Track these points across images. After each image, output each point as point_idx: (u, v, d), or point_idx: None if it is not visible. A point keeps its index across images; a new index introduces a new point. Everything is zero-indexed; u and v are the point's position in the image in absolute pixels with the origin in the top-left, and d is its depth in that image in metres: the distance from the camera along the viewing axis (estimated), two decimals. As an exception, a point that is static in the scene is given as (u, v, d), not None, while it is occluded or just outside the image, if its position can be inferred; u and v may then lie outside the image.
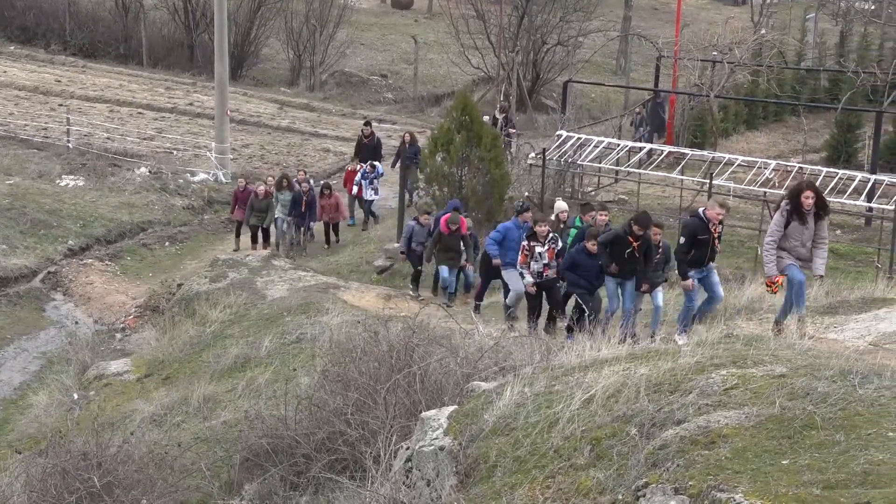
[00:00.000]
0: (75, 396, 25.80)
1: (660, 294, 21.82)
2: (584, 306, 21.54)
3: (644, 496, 9.71)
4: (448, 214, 28.01)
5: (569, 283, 22.24)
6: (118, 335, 30.73)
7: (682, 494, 9.42)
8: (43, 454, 19.96)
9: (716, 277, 20.64)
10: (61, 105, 48.18)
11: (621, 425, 10.96)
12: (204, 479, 18.73)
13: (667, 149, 41.03)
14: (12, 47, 58.93)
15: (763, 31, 57.68)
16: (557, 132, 39.91)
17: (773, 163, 38.47)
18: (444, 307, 26.03)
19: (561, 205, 26.53)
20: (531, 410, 11.82)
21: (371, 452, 13.74)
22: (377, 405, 16.28)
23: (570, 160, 37.98)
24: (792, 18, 63.13)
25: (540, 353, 16.29)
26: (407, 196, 36.54)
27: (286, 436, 18.06)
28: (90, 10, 61.16)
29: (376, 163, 36.16)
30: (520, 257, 23.14)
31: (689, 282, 19.85)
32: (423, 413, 13.42)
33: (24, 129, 45.46)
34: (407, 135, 36.95)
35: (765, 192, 34.86)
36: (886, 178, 36.31)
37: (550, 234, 22.99)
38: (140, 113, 49.47)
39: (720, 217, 19.79)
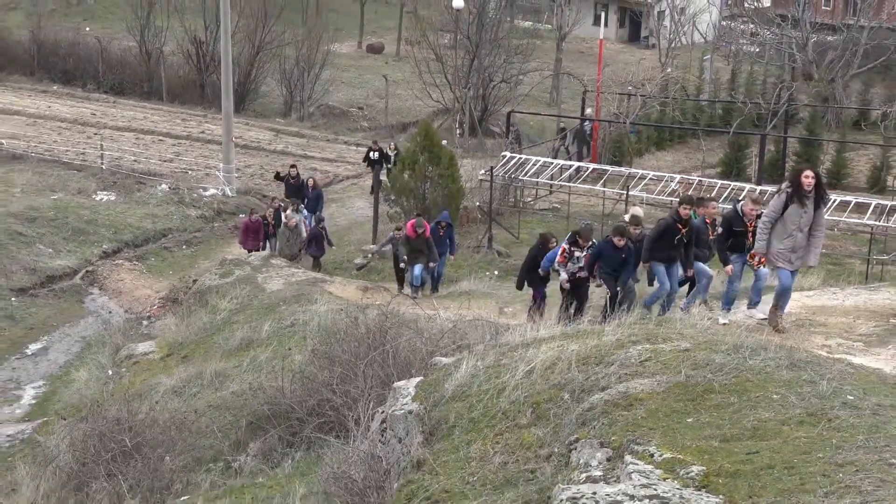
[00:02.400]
0: (110, 372, 25.68)
1: (706, 266, 19.47)
2: (610, 290, 19.73)
3: (575, 449, 9.72)
4: (413, 220, 27.74)
5: (599, 273, 20.08)
6: (144, 322, 30.61)
7: (606, 447, 9.43)
8: (84, 420, 19.86)
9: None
10: (96, 134, 47.94)
11: (556, 391, 10.97)
12: (216, 439, 18.67)
13: (591, 166, 41.17)
14: (55, 87, 58.55)
15: (669, 70, 58.03)
16: (502, 153, 40.04)
17: (677, 177, 38.77)
18: (412, 298, 26.00)
19: (637, 210, 24.26)
20: (483, 380, 11.81)
21: (353, 416, 13.71)
22: (357, 377, 16.26)
23: (512, 176, 38.08)
24: (692, 59, 63.31)
25: (490, 334, 16.27)
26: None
27: (283, 403, 18.03)
28: (119, 56, 60.79)
29: (302, 206, 34.83)
30: (559, 257, 21.09)
31: (730, 267, 17.59)
32: (395, 383, 13.41)
33: (65, 153, 45.20)
34: (310, 180, 35.74)
35: (671, 201, 35.04)
36: (769, 188, 36.49)
37: (591, 243, 20.77)
38: (161, 140, 49.25)
39: (755, 212, 17.35)
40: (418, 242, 27.40)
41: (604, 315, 19.15)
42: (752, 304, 17.57)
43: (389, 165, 39.11)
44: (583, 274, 20.73)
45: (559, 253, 21.14)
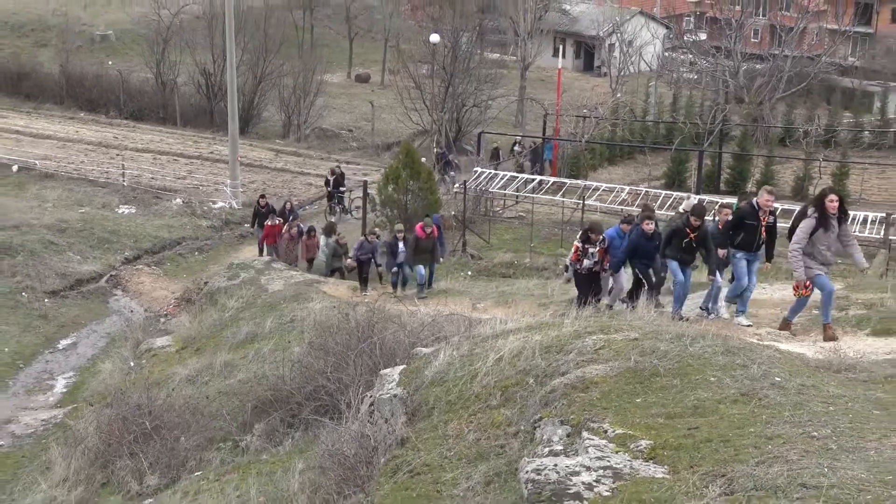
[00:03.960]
0: (131, 364, 25.61)
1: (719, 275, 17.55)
2: (643, 279, 18.10)
3: (539, 427, 9.72)
4: (421, 222, 26.70)
5: (632, 265, 18.27)
6: (162, 319, 30.51)
7: (566, 425, 9.44)
8: (109, 406, 19.85)
9: (756, 267, 16.38)
10: (118, 155, 47.78)
11: (522, 377, 10.97)
12: (225, 421, 18.64)
13: (552, 179, 41.25)
14: (82, 114, 58.32)
15: (619, 95, 58.22)
16: (474, 169, 40.07)
17: (627, 188, 38.86)
18: (419, 298, 25.44)
19: (692, 202, 23.12)
20: (458, 367, 11.80)
21: (345, 400, 13.69)
22: (348, 366, 16.24)
23: (483, 188, 38.12)
24: (639, 85, 63.48)
25: (464, 327, 16.27)
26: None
27: (284, 389, 18.02)
28: (138, 86, 60.63)
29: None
30: (571, 255, 19.19)
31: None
32: (382, 371, 13.38)
33: (91, 172, 45.02)
34: (288, 203, 34.24)
35: (622, 209, 35.16)
36: (707, 197, 36.65)
37: (602, 238, 18.92)
38: (175, 159, 49.10)
39: (769, 204, 15.78)
40: (427, 242, 26.19)
41: (631, 299, 18.10)
42: (739, 311, 16.33)
43: (342, 189, 38.43)
44: (596, 268, 19.09)
45: (572, 251, 19.41)
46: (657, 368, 10.16)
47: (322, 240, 30.84)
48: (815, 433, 8.34)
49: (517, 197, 39.95)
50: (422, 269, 26.35)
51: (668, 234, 17.02)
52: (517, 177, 39.77)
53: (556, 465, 8.50)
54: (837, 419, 8.69)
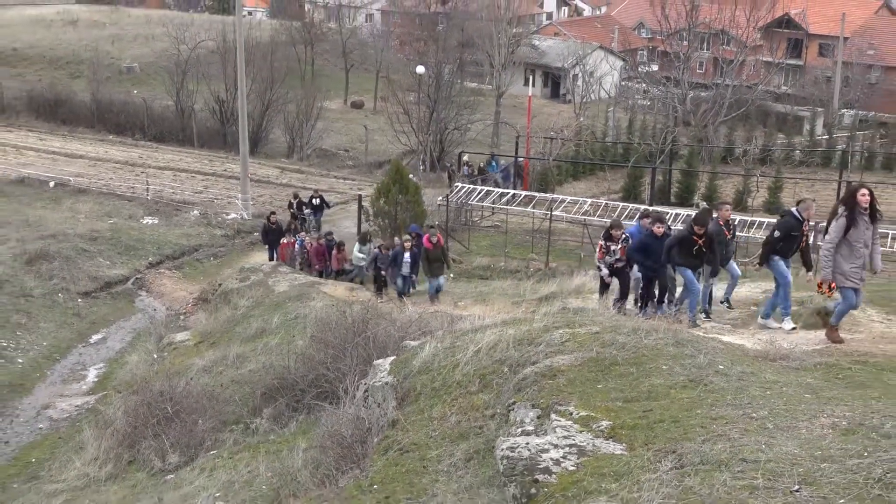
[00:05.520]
0: (155, 356, 25.52)
1: (735, 265, 16.65)
2: (649, 283, 16.57)
3: (513, 410, 9.72)
4: (428, 234, 24.92)
5: (637, 263, 16.90)
6: (181, 317, 30.41)
7: (536, 408, 9.44)
8: (135, 393, 19.75)
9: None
10: (142, 172, 47.54)
11: (498, 366, 10.97)
12: (237, 406, 18.57)
13: (524, 193, 41.29)
14: (111, 136, 58.04)
15: (582, 119, 58.31)
16: (455, 184, 40.00)
17: (589, 200, 38.85)
18: (433, 303, 24.11)
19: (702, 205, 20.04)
20: (442, 358, 11.80)
21: (343, 387, 13.67)
22: (346, 357, 16.21)
23: (463, 201, 38.10)
24: (599, 111, 63.58)
25: (447, 323, 16.26)
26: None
27: (289, 378, 17.96)
28: (160, 112, 60.36)
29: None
30: (598, 253, 17.75)
31: (783, 265, 14.36)
32: (375, 361, 13.39)
33: (119, 187, 44.83)
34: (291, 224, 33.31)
35: (584, 219, 35.20)
36: (659, 208, 36.71)
37: (623, 236, 17.37)
38: (193, 176, 48.90)
39: (812, 213, 14.33)
40: (436, 252, 24.58)
41: (641, 303, 16.92)
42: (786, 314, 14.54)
43: (306, 212, 36.46)
44: (619, 264, 17.53)
45: (598, 249, 17.92)
46: (616, 358, 10.18)
47: (356, 246, 29.21)
48: (754, 414, 8.37)
49: (493, 208, 39.94)
50: (436, 281, 24.83)
51: (674, 242, 15.66)
52: (493, 190, 39.76)
53: (527, 443, 8.50)
54: (773, 402, 8.72)
